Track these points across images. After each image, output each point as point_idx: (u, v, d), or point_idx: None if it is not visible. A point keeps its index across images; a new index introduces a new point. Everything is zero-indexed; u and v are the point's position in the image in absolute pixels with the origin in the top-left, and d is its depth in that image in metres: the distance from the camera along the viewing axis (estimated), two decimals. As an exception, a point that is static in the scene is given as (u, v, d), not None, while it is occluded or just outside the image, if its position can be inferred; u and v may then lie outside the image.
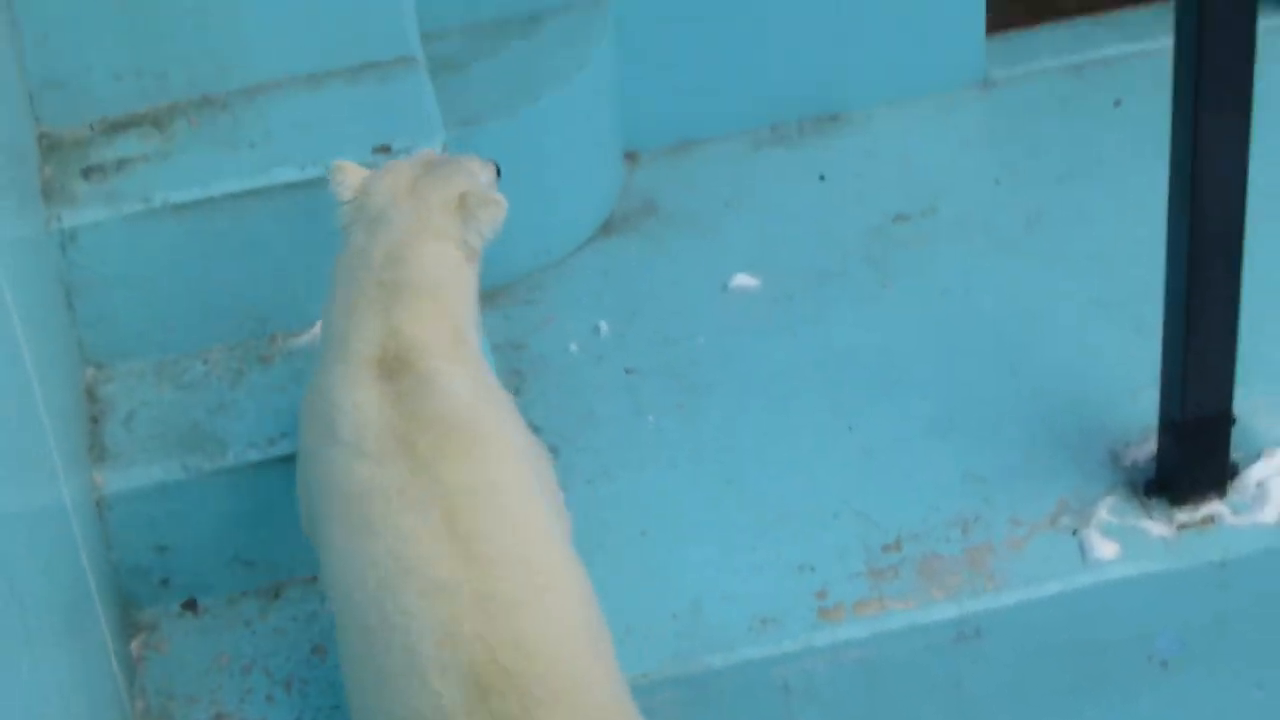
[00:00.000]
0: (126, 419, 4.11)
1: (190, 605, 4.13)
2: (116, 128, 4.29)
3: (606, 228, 4.88)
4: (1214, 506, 4.07)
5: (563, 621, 3.28)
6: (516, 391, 4.29)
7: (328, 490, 3.39)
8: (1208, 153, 3.65)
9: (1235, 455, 4.11)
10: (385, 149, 4.11)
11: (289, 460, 3.89)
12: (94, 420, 4.11)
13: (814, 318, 4.61)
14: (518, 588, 3.23)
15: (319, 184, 3.72)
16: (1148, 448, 4.16)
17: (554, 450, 4.23)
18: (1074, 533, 4.09)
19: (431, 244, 3.50)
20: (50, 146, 4.25)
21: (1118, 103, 5.09)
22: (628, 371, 4.52)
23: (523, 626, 3.20)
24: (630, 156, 5.05)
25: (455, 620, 3.18)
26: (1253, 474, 4.11)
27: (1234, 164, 3.68)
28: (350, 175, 3.63)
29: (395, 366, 3.38)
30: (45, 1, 4.16)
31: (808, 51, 5.05)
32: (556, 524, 3.48)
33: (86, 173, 4.18)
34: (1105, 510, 4.11)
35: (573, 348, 4.56)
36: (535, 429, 3.64)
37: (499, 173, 3.77)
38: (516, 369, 4.50)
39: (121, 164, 4.19)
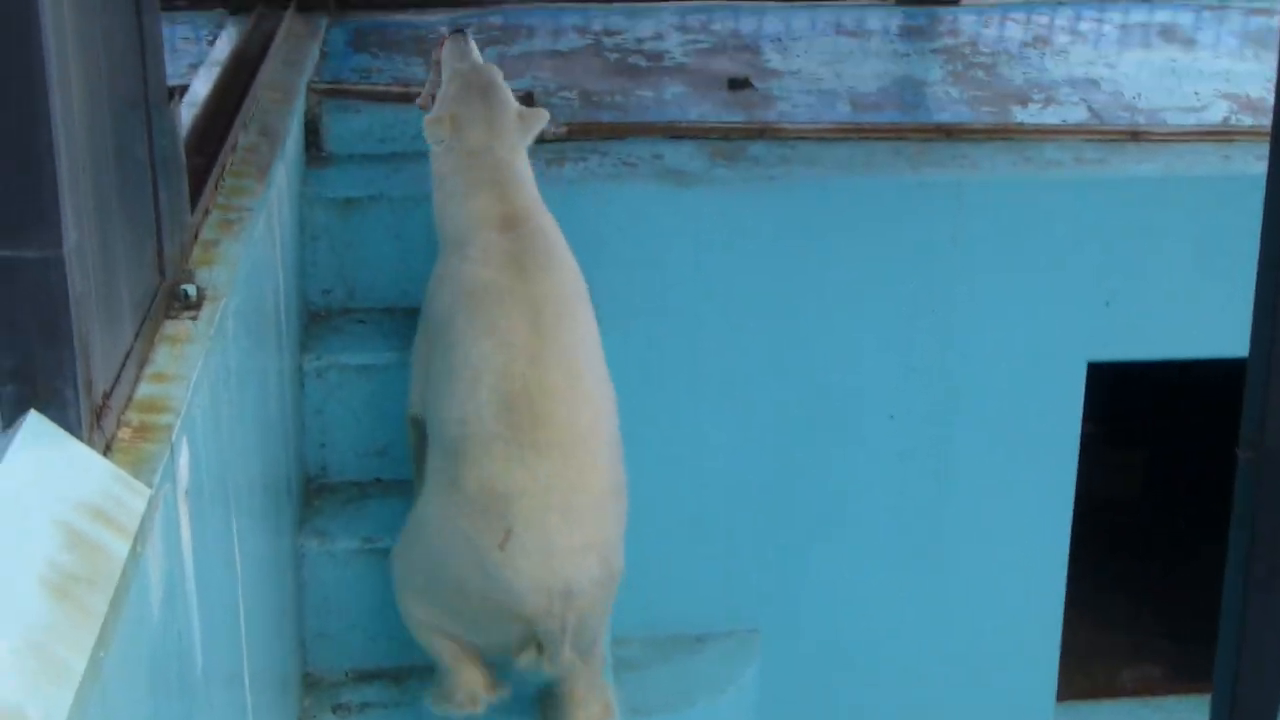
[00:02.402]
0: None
1: None
2: (364, 678, 4.32)
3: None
4: None
5: (578, 386, 3.80)
6: None
7: (459, 294, 3.90)
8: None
9: None
10: None
11: None
12: None
13: None
14: (558, 358, 3.80)
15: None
16: None
17: None
18: None
19: (515, 154, 4.06)
20: (311, 684, 4.28)
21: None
22: None
23: (552, 378, 3.75)
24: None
25: (510, 363, 3.75)
26: None
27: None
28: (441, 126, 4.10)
29: (512, 222, 3.96)
30: (324, 575, 4.26)
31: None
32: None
33: (335, 709, 4.20)
34: None
35: None
36: None
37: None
38: None
39: (364, 706, 4.21)
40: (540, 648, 3.72)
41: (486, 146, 4.03)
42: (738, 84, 5.28)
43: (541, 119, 4.14)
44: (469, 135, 4.05)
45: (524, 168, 4.08)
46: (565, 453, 3.72)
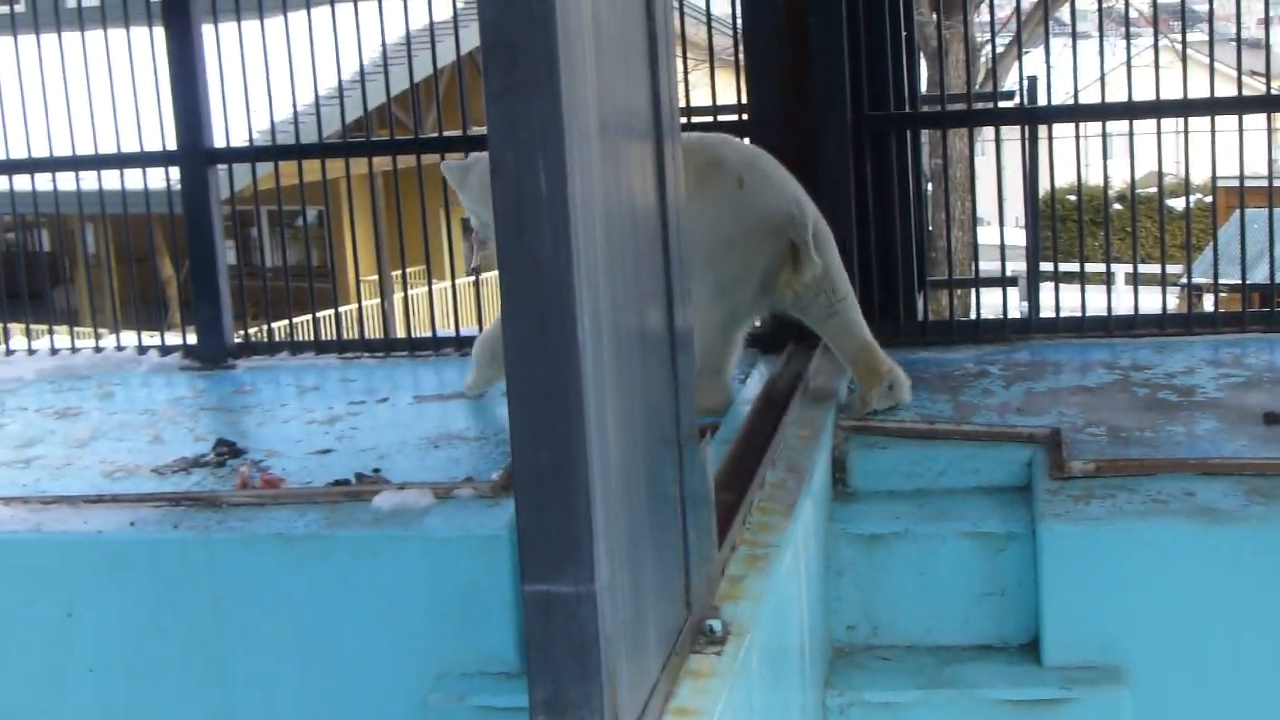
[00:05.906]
0: None
1: None
2: None
3: None
4: None
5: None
6: None
7: None
8: None
9: None
10: None
11: None
12: None
13: None
14: None
15: None
16: None
17: None
18: None
19: None
20: None
21: None
22: None
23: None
24: None
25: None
26: None
27: None
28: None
29: None
30: None
31: None
32: None
33: None
34: None
35: None
36: None
37: None
38: None
39: None
40: (794, 257, 4.94)
41: None
42: (1275, 419, 5.06)
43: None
44: None
45: None
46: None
